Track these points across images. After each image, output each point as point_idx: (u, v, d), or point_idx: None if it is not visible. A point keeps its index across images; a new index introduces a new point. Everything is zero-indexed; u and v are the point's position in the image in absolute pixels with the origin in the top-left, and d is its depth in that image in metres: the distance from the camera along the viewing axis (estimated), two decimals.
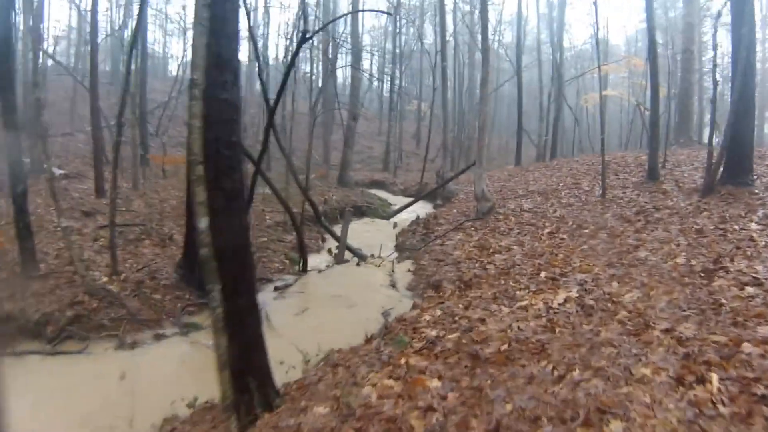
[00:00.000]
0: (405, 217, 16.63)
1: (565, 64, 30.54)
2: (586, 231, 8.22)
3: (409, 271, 10.05)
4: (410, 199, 18.32)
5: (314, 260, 11.72)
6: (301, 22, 8.72)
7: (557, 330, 4.48)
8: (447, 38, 20.64)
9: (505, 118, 43.54)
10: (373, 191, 23.87)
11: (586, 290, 5.27)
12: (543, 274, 6.19)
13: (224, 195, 4.03)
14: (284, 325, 7.33)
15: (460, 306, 5.79)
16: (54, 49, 27.76)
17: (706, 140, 24.35)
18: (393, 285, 9.26)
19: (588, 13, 46.59)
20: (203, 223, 3.59)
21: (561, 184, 13.66)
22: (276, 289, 9.22)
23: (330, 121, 26.98)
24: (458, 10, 26.34)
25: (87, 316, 6.94)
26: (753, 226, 6.63)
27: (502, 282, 6.58)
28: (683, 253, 5.73)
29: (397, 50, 31.05)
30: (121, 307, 7.23)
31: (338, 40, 20.74)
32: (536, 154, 25.31)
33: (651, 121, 11.43)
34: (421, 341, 4.99)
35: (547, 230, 9.18)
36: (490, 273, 7.54)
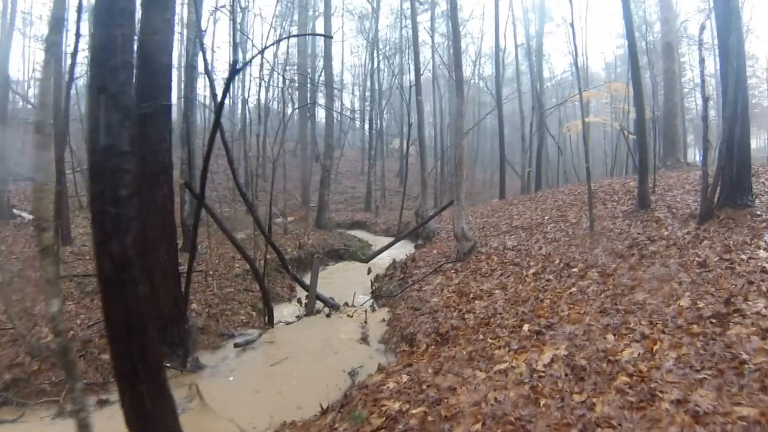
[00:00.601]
0: (385, 259, 15.76)
1: (546, 94, 30.32)
2: (575, 270, 7.33)
3: (383, 321, 9.14)
4: (391, 239, 17.42)
5: (285, 311, 10.80)
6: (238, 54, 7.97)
7: (542, 402, 3.58)
8: (422, 72, 20.10)
9: (488, 151, 43.21)
10: (354, 232, 23.07)
11: (576, 346, 4.34)
12: (526, 327, 5.26)
13: (112, 262, 3.15)
14: (234, 394, 6.46)
15: (430, 370, 4.86)
16: (28, 90, 27.00)
17: (692, 161, 23.98)
18: (364, 338, 8.35)
19: (566, 41, 46.81)
20: (54, 306, 2.68)
21: (546, 218, 12.83)
22: (236, 346, 8.36)
23: (308, 161, 26.26)
24: (434, 44, 25.94)
25: (26, 379, 6.37)
26: (762, 254, 5.77)
27: (481, 337, 5.65)
28: (687, 294, 4.83)
29: (375, 87, 30.62)
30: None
31: (308, 77, 20.15)
32: (520, 186, 24.65)
33: (639, 144, 10.68)
34: (381, 416, 4.15)
35: (531, 270, 8.29)
36: (469, 324, 6.64)
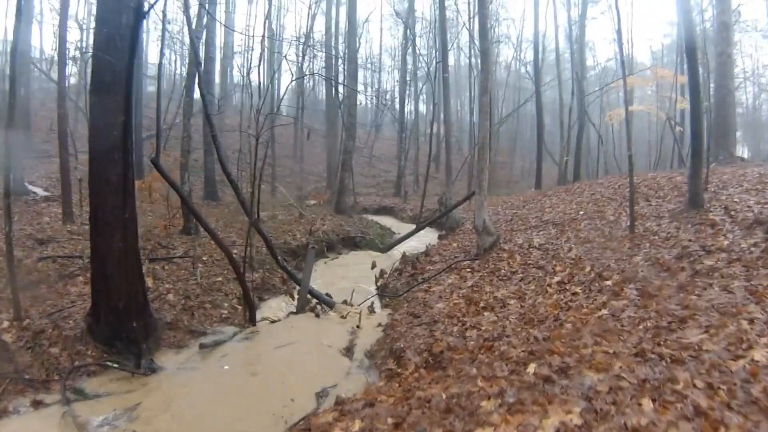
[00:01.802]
0: (407, 249, 14.48)
1: (589, 84, 28.40)
2: (608, 283, 5.87)
3: (379, 326, 7.90)
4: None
5: (277, 304, 9.65)
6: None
7: None
8: (450, 48, 18.53)
9: (528, 139, 41.49)
10: (380, 218, 21.96)
11: (596, 412, 2.98)
12: (533, 367, 3.89)
13: None
14: (164, 412, 5.31)
15: (390, 421, 3.59)
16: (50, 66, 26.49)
17: (746, 156, 21.81)
18: (349, 348, 7.13)
19: (611, 27, 44.10)
20: None
21: (581, 213, 11.29)
22: (202, 347, 7.23)
23: (333, 142, 25.03)
24: (469, 20, 24.18)
25: None
26: None
27: (474, 371, 4.32)
28: (763, 341, 3.40)
29: (408, 66, 29.09)
30: (9, 363, 5.92)
31: (331, 52, 18.84)
32: (558, 176, 22.95)
33: (693, 132, 8.98)
34: None
35: (556, 278, 6.86)
36: (468, 345, 5.34)
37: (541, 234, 10.25)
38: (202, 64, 7.77)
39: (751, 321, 3.71)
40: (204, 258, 10.82)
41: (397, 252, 14.20)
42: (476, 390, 3.78)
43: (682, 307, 4.36)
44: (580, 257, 7.48)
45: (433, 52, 29.06)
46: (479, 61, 10.65)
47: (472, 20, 23.57)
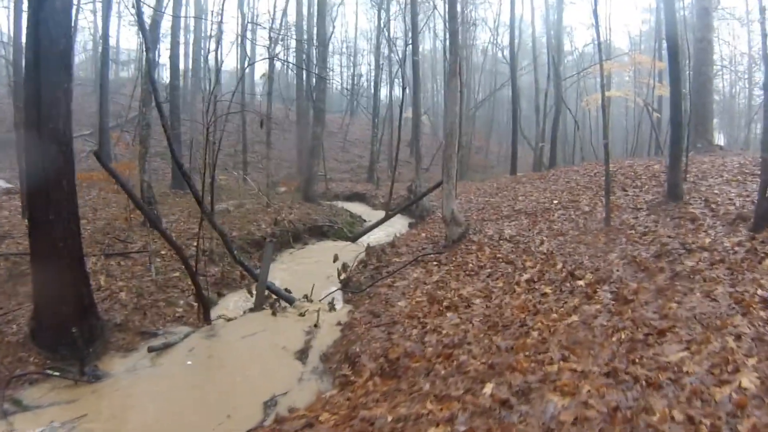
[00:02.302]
0: (376, 238, 13.95)
1: (567, 69, 28.02)
2: (581, 284, 5.41)
3: (338, 324, 7.36)
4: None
5: (234, 301, 9.07)
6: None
7: None
8: (420, 30, 17.90)
9: (505, 124, 41.11)
10: (351, 205, 21.30)
11: None
12: (490, 387, 3.39)
13: None
14: (109, 422, 5.04)
15: None
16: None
17: (723, 144, 21.56)
18: (304, 351, 6.61)
19: (589, 5, 43.70)
20: None
21: (555, 202, 10.86)
22: (150, 350, 6.70)
23: (304, 128, 24.27)
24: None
25: None
26: None
27: (427, 387, 3.83)
28: (751, 362, 2.94)
29: (382, 50, 28.39)
30: None
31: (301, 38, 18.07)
32: (533, 162, 22.61)
33: (672, 120, 8.55)
34: None
35: (525, 276, 6.39)
36: (426, 352, 4.85)
37: (513, 225, 9.80)
38: (152, 49, 7.27)
39: (738, 337, 3.24)
40: (162, 252, 10.14)
41: (368, 240, 13.71)
42: (425, 413, 3.28)
43: (660, 316, 3.89)
44: (552, 252, 7.02)
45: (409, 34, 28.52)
46: (448, 43, 10.05)
47: (445, 2, 22.96)
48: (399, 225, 15.24)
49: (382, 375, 4.87)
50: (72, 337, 6.08)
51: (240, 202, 17.30)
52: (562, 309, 4.80)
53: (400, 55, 23.13)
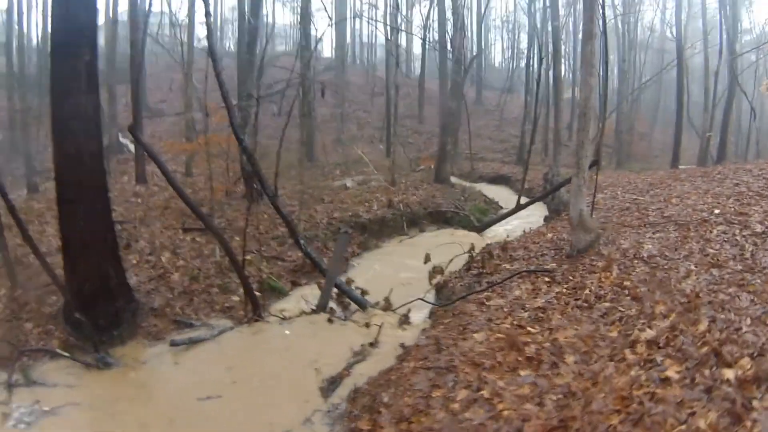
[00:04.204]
0: (511, 228, 12.11)
1: (744, 49, 23.71)
2: (728, 376, 3.06)
3: (401, 347, 5.89)
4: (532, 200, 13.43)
5: (307, 293, 7.83)
6: None
7: None
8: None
9: (672, 109, 36.17)
10: (493, 188, 19.71)
11: None
12: None
13: None
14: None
15: None
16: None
17: None
18: (337, 379, 5.39)
19: None
20: None
21: (716, 211, 8.06)
22: (173, 344, 6.00)
23: (449, 100, 22.60)
24: None
25: None
26: None
27: None
28: None
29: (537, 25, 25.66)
30: None
31: None
32: (698, 154, 19.17)
33: None
34: None
35: (649, 332, 4.21)
36: None
37: (656, 237, 7.39)
38: (211, 15, 6.74)
39: None
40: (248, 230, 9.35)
41: (501, 231, 12.02)
42: None
43: None
44: (698, 294, 4.75)
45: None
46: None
47: None
48: (538, 215, 13.30)
49: None
50: (94, 317, 5.81)
51: (365, 178, 16.39)
52: (683, 427, 2.81)
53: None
